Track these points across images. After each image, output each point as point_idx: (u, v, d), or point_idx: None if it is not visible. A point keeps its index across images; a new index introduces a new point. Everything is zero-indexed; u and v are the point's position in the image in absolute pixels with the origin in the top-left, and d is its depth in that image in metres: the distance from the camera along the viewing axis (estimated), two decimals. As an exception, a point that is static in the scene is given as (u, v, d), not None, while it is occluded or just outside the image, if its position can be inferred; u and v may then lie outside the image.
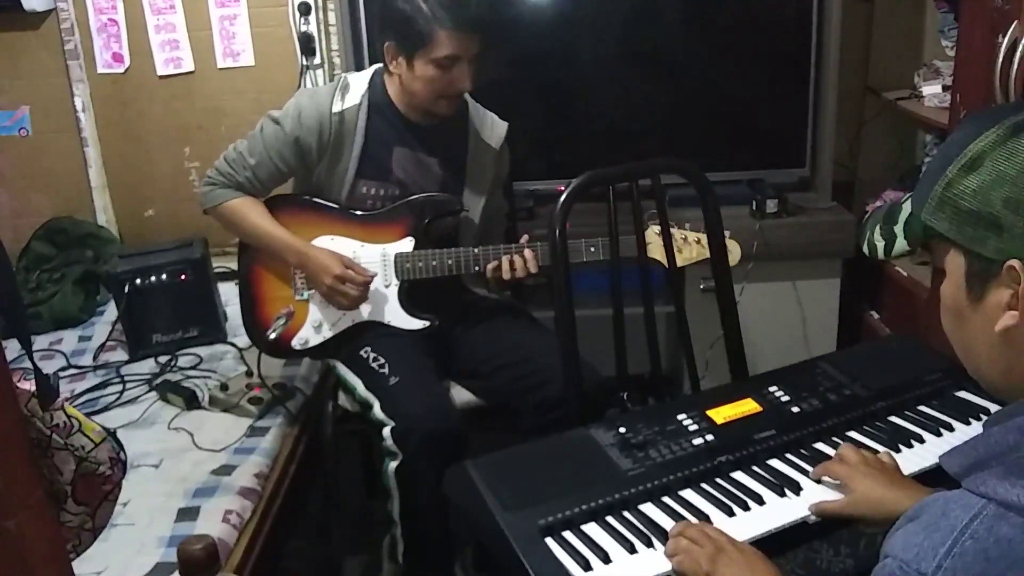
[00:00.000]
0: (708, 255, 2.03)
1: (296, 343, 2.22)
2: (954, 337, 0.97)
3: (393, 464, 2.01)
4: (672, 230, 2.07)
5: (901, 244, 1.02)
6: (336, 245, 2.18)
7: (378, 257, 2.19)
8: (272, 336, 2.12)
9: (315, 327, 2.22)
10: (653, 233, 2.08)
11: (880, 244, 1.05)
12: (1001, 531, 0.80)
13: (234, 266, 2.31)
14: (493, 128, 2.27)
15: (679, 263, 2.07)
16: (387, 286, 2.20)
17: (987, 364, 0.94)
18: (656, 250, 2.07)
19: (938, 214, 0.91)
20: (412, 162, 2.20)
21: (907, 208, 0.99)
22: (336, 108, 2.13)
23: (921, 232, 0.94)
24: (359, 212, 2.20)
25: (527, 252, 2.11)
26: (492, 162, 2.27)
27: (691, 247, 2.09)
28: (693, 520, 1.30)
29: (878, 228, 1.05)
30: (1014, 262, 0.85)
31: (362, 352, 2.14)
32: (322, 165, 2.17)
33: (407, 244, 2.19)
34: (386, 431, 2.01)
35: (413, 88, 2.10)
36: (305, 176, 2.22)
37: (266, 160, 2.16)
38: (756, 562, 1.17)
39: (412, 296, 2.20)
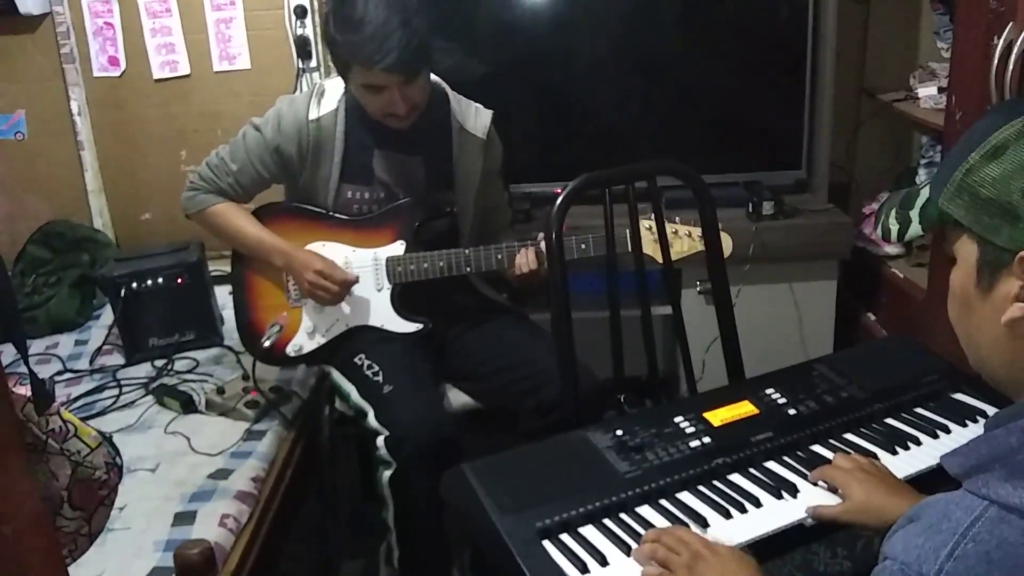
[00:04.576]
0: (701, 248, 2.03)
1: (291, 350, 2.22)
2: (959, 326, 0.98)
3: (387, 473, 2.01)
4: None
5: (915, 229, 1.02)
6: (327, 251, 2.18)
7: (370, 261, 2.19)
8: (266, 344, 2.12)
9: (309, 333, 2.22)
10: (645, 228, 2.08)
11: (894, 228, 1.05)
12: (1003, 534, 0.80)
13: (230, 270, 2.31)
14: (478, 118, 2.25)
15: (672, 257, 2.07)
16: (379, 290, 2.20)
17: (990, 355, 0.94)
18: (649, 245, 2.08)
19: (956, 200, 0.91)
20: (394, 164, 2.19)
21: (925, 194, 1.00)
22: (312, 115, 2.12)
23: (936, 217, 0.94)
24: (349, 217, 2.19)
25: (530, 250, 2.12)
26: (480, 153, 2.25)
27: (683, 240, 2.10)
28: (690, 524, 1.30)
29: (894, 212, 1.06)
30: None
31: (356, 359, 2.14)
32: (305, 172, 2.16)
33: (398, 248, 2.19)
34: (380, 440, 2.01)
35: (360, 100, 2.10)
36: (290, 182, 2.22)
37: (248, 167, 2.16)
38: (732, 565, 1.17)
39: (405, 299, 2.20)
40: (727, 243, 2.07)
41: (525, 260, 2.12)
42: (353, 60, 1.98)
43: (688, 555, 1.18)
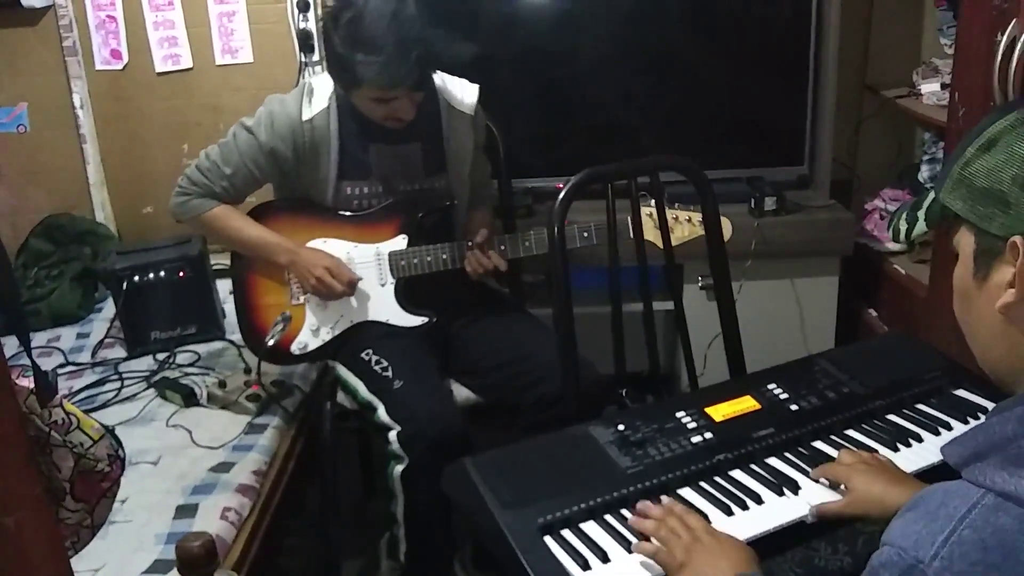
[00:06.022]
0: (701, 232, 2.03)
1: (295, 348, 2.22)
2: (962, 321, 0.99)
3: (399, 468, 2.00)
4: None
5: (920, 226, 1.05)
6: (329, 247, 2.18)
7: (372, 257, 2.19)
8: (271, 342, 2.12)
9: (313, 331, 2.21)
10: (645, 214, 2.08)
11: (903, 228, 1.09)
12: (999, 521, 0.81)
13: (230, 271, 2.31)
14: (464, 94, 2.23)
15: (673, 243, 2.07)
16: (383, 285, 2.20)
17: (990, 347, 0.95)
18: (650, 231, 2.08)
19: (954, 193, 0.94)
20: (390, 155, 2.18)
21: (931, 195, 1.01)
22: (306, 116, 2.10)
23: (938, 213, 0.97)
24: (350, 213, 2.19)
25: (492, 253, 2.13)
26: (469, 128, 2.24)
27: (683, 226, 2.10)
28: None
29: (904, 215, 1.09)
30: (1016, 238, 0.87)
31: (363, 354, 2.13)
32: (303, 171, 2.15)
33: (400, 242, 2.19)
34: (392, 435, 2.00)
35: (361, 109, 2.09)
36: (283, 181, 2.20)
37: (242, 168, 2.14)
38: (731, 550, 1.18)
39: (409, 293, 2.20)
40: (726, 227, 2.07)
41: (477, 264, 2.13)
42: (367, 83, 1.97)
43: (689, 537, 1.20)
